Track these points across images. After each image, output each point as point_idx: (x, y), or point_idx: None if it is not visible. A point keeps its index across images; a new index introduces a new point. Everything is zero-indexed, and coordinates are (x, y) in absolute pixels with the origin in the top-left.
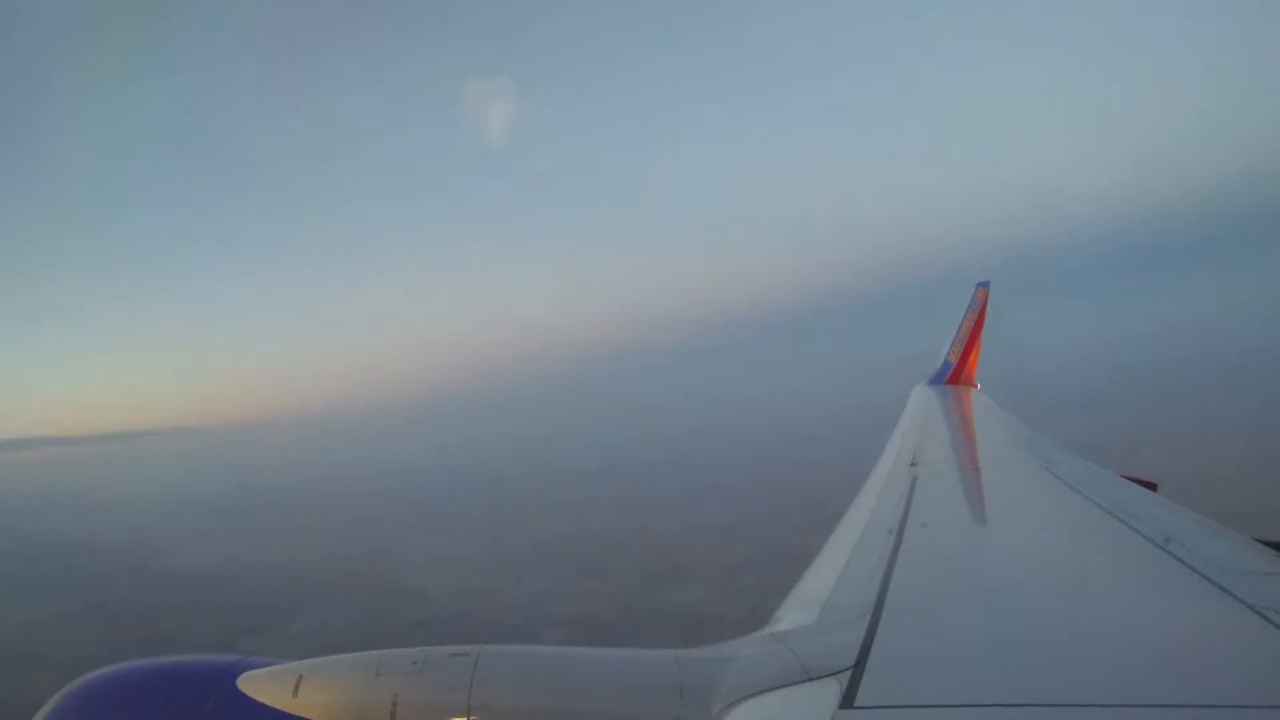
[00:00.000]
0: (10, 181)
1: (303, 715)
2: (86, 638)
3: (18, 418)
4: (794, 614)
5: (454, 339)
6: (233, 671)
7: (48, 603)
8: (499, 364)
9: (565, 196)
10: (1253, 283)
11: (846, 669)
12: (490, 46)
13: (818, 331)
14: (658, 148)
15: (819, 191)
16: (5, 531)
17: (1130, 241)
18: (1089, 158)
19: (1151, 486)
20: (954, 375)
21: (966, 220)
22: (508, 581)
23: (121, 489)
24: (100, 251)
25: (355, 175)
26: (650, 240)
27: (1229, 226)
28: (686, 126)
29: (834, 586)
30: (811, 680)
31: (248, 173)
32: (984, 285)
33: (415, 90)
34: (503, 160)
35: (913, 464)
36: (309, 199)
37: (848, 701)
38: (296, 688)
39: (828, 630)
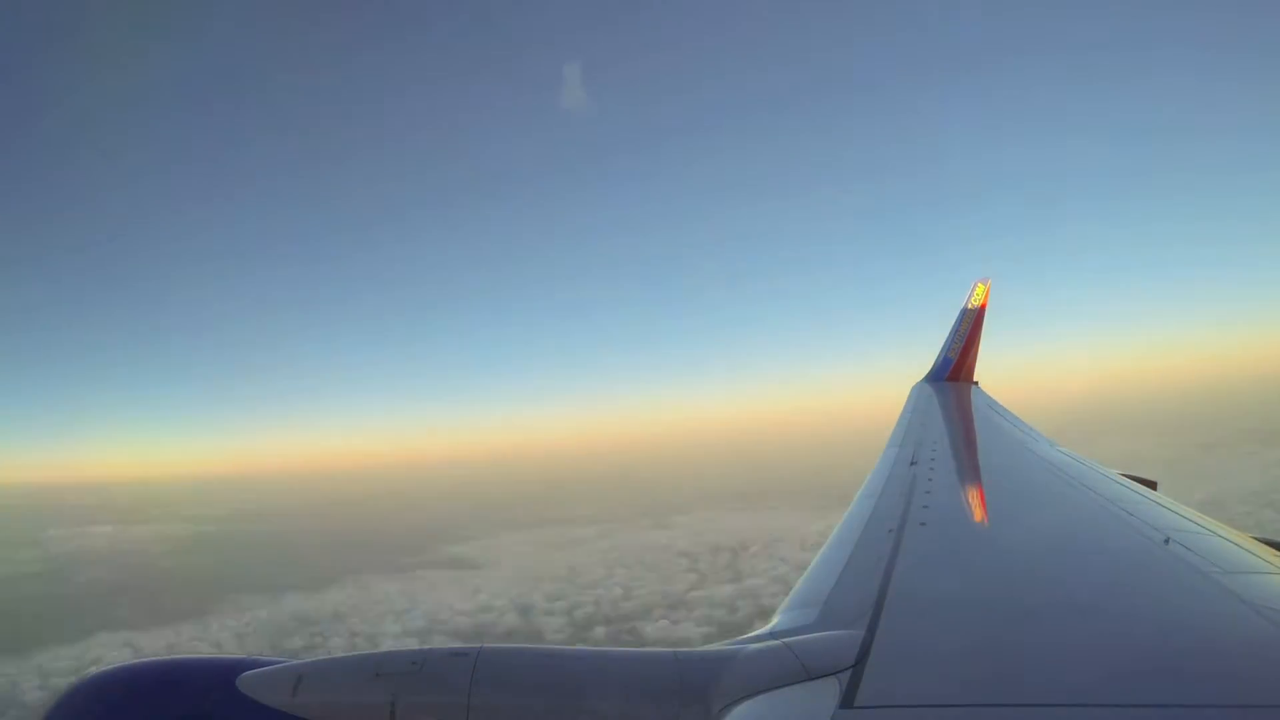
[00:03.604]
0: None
1: (302, 715)
2: None
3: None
4: (794, 613)
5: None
6: (232, 671)
7: None
8: None
9: None
10: None
11: (846, 669)
12: None
13: None
14: None
15: None
16: None
17: None
18: None
19: (1151, 485)
20: (954, 372)
21: None
22: None
23: None
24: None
25: None
26: None
27: None
28: None
29: (834, 586)
30: (811, 680)
31: None
32: (984, 280)
33: None
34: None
35: (912, 462)
36: None
37: (848, 701)
38: (296, 688)
39: (828, 630)
